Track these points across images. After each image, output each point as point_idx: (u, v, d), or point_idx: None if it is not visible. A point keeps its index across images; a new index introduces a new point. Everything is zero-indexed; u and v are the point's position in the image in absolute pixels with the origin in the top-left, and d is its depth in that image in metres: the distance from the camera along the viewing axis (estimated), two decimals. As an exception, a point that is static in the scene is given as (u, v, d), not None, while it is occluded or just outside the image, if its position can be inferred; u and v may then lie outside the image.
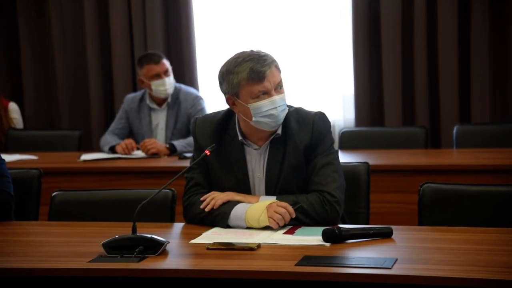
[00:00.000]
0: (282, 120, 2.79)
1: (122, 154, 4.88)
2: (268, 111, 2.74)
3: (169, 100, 5.14)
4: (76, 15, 6.30)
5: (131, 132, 5.26)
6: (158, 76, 5.04)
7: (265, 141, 2.84)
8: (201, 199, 2.81)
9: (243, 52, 2.78)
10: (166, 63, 5.12)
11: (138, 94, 5.29)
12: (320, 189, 2.77)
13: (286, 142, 2.82)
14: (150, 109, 5.19)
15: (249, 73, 2.72)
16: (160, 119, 5.19)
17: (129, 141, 4.94)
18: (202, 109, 5.11)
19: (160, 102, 5.17)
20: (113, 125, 5.27)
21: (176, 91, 5.16)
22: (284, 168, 2.81)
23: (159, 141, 5.01)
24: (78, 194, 3.18)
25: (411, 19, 5.77)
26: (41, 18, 6.39)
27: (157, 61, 5.07)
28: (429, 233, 2.66)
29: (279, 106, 2.75)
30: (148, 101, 5.17)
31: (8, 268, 2.36)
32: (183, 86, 5.26)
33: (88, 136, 6.21)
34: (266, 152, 2.84)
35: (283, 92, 2.80)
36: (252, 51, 2.78)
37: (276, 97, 2.75)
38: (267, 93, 2.75)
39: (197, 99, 5.17)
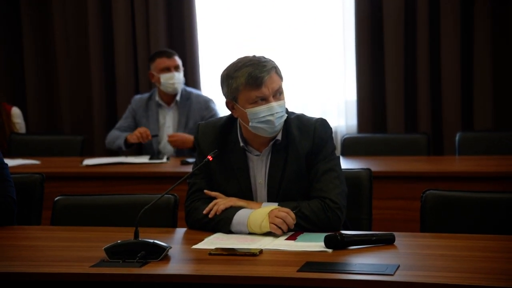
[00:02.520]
0: (279, 127, 2.79)
1: (135, 142, 4.95)
2: (265, 117, 2.74)
3: (178, 98, 5.20)
4: (79, 21, 6.30)
5: None
6: (168, 69, 5.16)
7: (265, 146, 2.84)
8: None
9: (244, 57, 2.79)
10: (179, 60, 5.24)
11: (146, 94, 5.38)
12: (322, 195, 2.77)
13: (288, 149, 2.82)
14: (159, 106, 5.25)
15: (247, 79, 2.73)
16: (167, 117, 5.25)
17: (143, 129, 4.99)
18: (216, 113, 5.16)
19: (168, 100, 5.23)
20: (119, 124, 5.35)
21: (187, 93, 5.24)
22: (285, 175, 2.81)
23: (164, 139, 5.12)
24: (80, 199, 3.18)
25: (414, 26, 5.77)
26: (44, 22, 6.40)
27: (169, 56, 5.22)
28: (431, 239, 2.66)
29: (276, 113, 2.75)
30: (157, 97, 5.25)
31: (10, 272, 2.37)
32: (194, 90, 5.35)
33: (90, 141, 6.20)
34: (268, 159, 2.84)
35: (283, 99, 2.79)
36: (254, 56, 2.78)
37: (273, 104, 2.75)
38: (265, 99, 2.75)
39: (211, 102, 5.26)
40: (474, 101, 5.74)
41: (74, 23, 6.33)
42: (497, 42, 5.69)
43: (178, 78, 5.16)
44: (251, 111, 2.75)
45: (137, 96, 5.39)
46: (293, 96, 5.93)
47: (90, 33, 6.24)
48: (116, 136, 5.14)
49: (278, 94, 2.77)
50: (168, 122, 5.22)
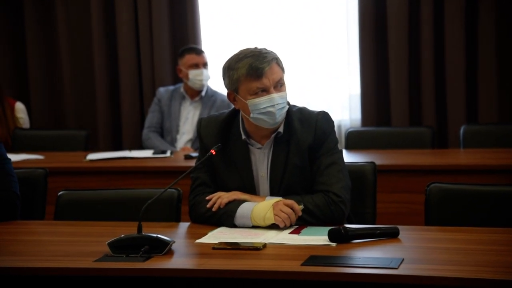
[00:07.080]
0: (280, 118, 2.78)
1: None
2: (265, 108, 2.74)
3: (203, 94, 5.34)
4: (83, 16, 6.30)
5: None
6: (196, 66, 5.31)
7: (267, 139, 2.83)
8: (207, 198, 2.80)
9: (246, 49, 2.79)
10: (206, 58, 5.39)
11: (171, 86, 5.56)
12: (325, 189, 2.76)
13: (290, 142, 2.81)
14: (182, 97, 5.39)
15: (248, 70, 2.73)
16: (189, 110, 5.38)
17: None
18: None
19: (193, 94, 5.37)
20: (148, 121, 5.46)
21: (213, 91, 5.39)
22: (288, 168, 2.80)
23: (185, 131, 5.27)
24: (84, 194, 3.18)
25: (418, 19, 5.75)
26: (47, 18, 6.39)
27: (199, 53, 5.40)
28: (436, 233, 2.65)
29: (277, 104, 2.74)
30: (182, 89, 5.40)
31: (14, 267, 2.36)
32: (219, 91, 5.43)
33: (94, 136, 6.20)
34: (270, 152, 2.84)
35: (284, 91, 2.78)
36: (255, 48, 2.78)
37: (274, 95, 2.74)
38: (265, 90, 2.74)
39: None
40: (478, 94, 5.72)
41: (77, 18, 6.33)
42: (502, 34, 5.66)
43: (206, 75, 5.32)
44: (252, 102, 2.74)
45: (162, 88, 5.56)
46: (297, 90, 5.92)
47: (94, 28, 6.23)
48: (153, 144, 5.29)
49: (279, 85, 2.77)
50: (189, 114, 5.36)
